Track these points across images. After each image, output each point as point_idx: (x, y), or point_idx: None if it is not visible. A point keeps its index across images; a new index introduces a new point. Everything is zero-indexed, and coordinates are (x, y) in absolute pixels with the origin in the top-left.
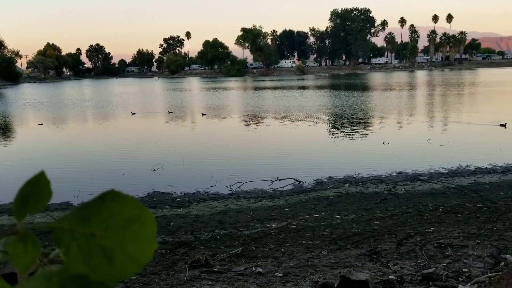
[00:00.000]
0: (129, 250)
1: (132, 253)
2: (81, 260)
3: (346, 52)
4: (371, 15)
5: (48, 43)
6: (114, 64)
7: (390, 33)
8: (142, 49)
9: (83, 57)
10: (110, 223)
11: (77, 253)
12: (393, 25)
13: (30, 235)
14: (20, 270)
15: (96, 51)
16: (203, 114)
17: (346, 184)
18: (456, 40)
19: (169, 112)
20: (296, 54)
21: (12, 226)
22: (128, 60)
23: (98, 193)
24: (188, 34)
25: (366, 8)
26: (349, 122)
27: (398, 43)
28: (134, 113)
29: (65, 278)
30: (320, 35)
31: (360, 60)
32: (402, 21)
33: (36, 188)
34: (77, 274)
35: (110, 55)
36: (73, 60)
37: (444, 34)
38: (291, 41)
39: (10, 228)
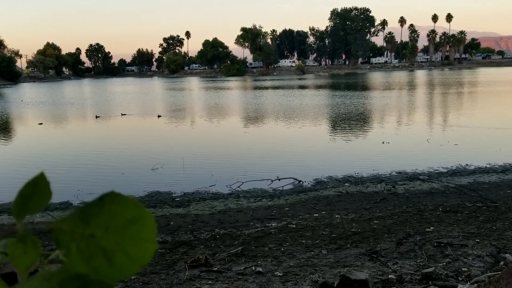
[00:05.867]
0: (130, 251)
1: (133, 254)
2: (81, 261)
3: (346, 51)
4: (370, 14)
5: (48, 43)
6: (114, 63)
7: (389, 33)
8: (142, 49)
9: (83, 57)
10: (110, 224)
11: (77, 254)
12: (392, 25)
13: (30, 236)
14: (20, 270)
15: (96, 51)
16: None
17: (345, 184)
18: (455, 40)
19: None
20: (296, 53)
21: (12, 226)
22: (128, 59)
23: (98, 193)
24: (188, 34)
25: (365, 7)
26: (348, 121)
27: (398, 42)
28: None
29: (64, 277)
30: (319, 35)
31: (360, 59)
32: (402, 21)
33: (36, 189)
34: (77, 273)
35: (110, 55)
36: (73, 59)
37: (444, 33)
38: (291, 41)
39: (10, 229)
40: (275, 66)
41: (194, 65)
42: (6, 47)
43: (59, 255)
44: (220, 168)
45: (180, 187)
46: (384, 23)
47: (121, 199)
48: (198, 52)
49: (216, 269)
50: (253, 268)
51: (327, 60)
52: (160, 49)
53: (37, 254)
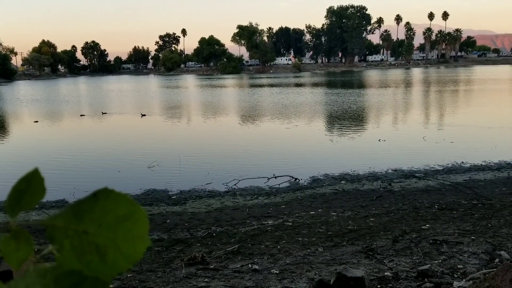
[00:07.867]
0: (122, 247)
1: (125, 250)
2: (74, 257)
3: (342, 49)
4: (367, 12)
5: (43, 40)
6: (109, 61)
7: (386, 31)
8: (138, 46)
9: (79, 54)
10: (103, 221)
11: (70, 250)
12: (389, 23)
13: (23, 232)
14: (13, 267)
15: (92, 48)
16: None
17: (342, 181)
18: (451, 38)
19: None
20: (292, 51)
21: (5, 223)
22: (124, 57)
23: (93, 190)
24: (184, 31)
25: (362, 5)
26: (345, 119)
27: (394, 40)
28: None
29: (59, 274)
30: (316, 33)
31: (356, 57)
32: (398, 19)
33: (30, 185)
34: (71, 270)
35: (106, 52)
36: (69, 57)
37: (440, 31)
38: (287, 39)
39: (4, 225)
40: (272, 64)
41: (190, 62)
42: (1, 45)
43: (53, 251)
44: (217, 166)
45: (177, 185)
46: (380, 21)
47: (114, 195)
48: (194, 50)
49: (212, 267)
50: (250, 265)
51: (324, 58)
52: (156, 47)
53: (30, 250)
